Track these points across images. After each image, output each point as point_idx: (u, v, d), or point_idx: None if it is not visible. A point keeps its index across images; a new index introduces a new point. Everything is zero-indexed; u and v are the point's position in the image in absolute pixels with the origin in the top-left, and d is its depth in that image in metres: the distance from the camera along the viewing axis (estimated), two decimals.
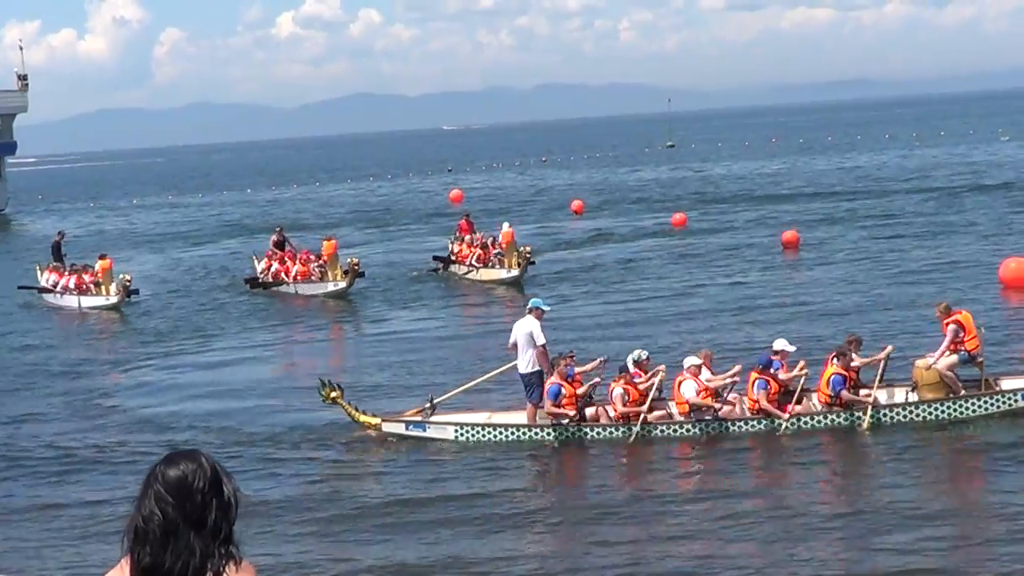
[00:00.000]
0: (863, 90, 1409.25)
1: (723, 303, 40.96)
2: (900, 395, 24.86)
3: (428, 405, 26.00)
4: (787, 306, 39.55)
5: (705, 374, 24.96)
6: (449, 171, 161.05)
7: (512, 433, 25.21)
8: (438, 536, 19.68)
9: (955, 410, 24.03)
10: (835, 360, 24.51)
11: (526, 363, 25.52)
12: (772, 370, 24.72)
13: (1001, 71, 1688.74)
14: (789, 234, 56.46)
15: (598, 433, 24.78)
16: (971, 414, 24.01)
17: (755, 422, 24.43)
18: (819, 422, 24.32)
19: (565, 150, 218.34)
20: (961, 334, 24.66)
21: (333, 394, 25.81)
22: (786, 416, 24.11)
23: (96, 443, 27.00)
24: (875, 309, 37.69)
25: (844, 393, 24.22)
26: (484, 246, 51.67)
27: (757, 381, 24.51)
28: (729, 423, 24.50)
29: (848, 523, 19.07)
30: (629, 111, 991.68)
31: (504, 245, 50.18)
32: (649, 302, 42.66)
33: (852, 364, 24.60)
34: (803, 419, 24.32)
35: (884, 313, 36.81)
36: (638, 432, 24.32)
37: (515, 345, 25.95)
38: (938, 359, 24.65)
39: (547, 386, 25.03)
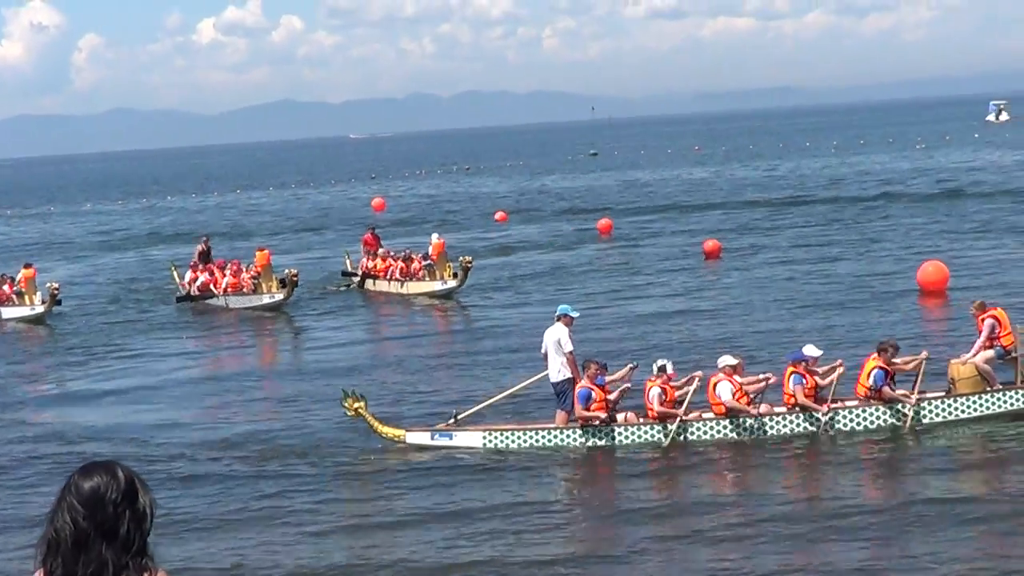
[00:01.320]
0: (785, 98, 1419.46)
1: (648, 310, 41.11)
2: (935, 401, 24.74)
3: (452, 421, 25.55)
4: (710, 312, 39.81)
5: (737, 379, 24.75)
6: (373, 178, 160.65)
7: (542, 437, 24.93)
8: (459, 542, 19.51)
9: (993, 403, 24.16)
10: (877, 355, 24.40)
11: (556, 370, 25.37)
12: (806, 365, 24.60)
13: (921, 79, 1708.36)
14: (711, 242, 56.85)
15: (631, 435, 24.55)
16: (1010, 407, 24.11)
17: (793, 418, 24.24)
18: (860, 417, 24.18)
19: (489, 158, 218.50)
20: (997, 329, 24.82)
21: (356, 405, 25.16)
22: (824, 410, 24.01)
23: (16, 455, 26.65)
24: (796, 316, 37.92)
25: (886, 389, 24.11)
26: (407, 259, 50.58)
27: (793, 376, 24.36)
28: (765, 421, 24.29)
29: (889, 523, 19.02)
30: (553, 119, 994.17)
31: (435, 257, 49.31)
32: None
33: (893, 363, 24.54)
34: (842, 414, 24.19)
35: (807, 320, 37.09)
36: (674, 432, 24.17)
37: (546, 354, 25.76)
38: (975, 353, 24.77)
39: (577, 391, 24.81)
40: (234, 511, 21.71)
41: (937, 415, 24.10)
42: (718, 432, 24.32)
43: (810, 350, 24.91)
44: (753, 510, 20.10)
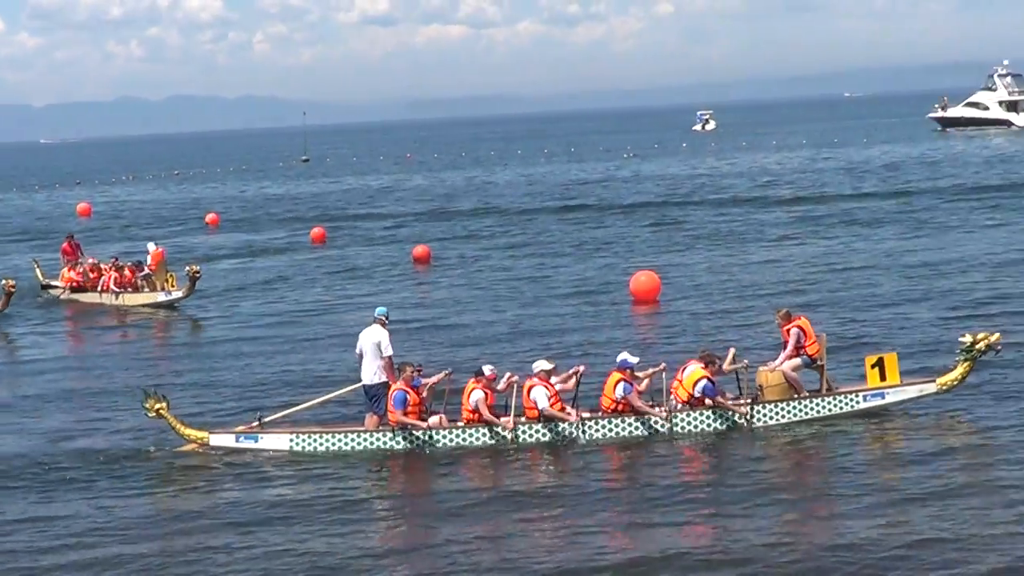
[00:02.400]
0: (498, 106, 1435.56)
1: (357, 320, 40.66)
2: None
3: (256, 423, 24.84)
4: (419, 321, 39.65)
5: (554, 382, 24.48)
6: (78, 184, 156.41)
7: (352, 440, 24.33)
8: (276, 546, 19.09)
9: (800, 410, 24.49)
10: (704, 365, 24.41)
11: (372, 373, 24.72)
12: (630, 371, 24.41)
13: (631, 89, 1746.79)
14: (421, 249, 56.80)
15: (446, 439, 24.10)
16: (815, 415, 24.47)
17: (618, 421, 24.11)
18: (690, 423, 24.21)
19: (200, 163, 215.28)
20: (803, 339, 24.99)
21: (158, 406, 24.36)
22: (661, 413, 24.09)
23: None
24: (509, 324, 38.03)
25: (720, 399, 24.27)
26: (119, 268, 48.45)
27: (620, 384, 24.18)
28: (585, 425, 24.09)
29: (713, 510, 19.43)
30: (264, 124, 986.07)
31: (154, 266, 47.94)
32: (298, 317, 42.26)
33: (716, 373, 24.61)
34: (680, 418, 24.19)
35: (522, 328, 37.23)
36: (498, 437, 23.94)
37: (361, 356, 25.04)
38: (782, 362, 24.96)
39: (392, 394, 24.15)
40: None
41: (757, 420, 24.33)
42: (538, 435, 24.08)
43: (626, 356, 24.74)
44: (562, 510, 20.13)
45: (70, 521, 20.82)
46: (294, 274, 54.10)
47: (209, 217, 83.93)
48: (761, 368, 25.20)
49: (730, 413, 24.28)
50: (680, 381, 24.55)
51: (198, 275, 45.27)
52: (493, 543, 18.81)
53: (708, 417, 24.25)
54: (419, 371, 24.58)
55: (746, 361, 25.56)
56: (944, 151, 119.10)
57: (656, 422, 24.12)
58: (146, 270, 48.19)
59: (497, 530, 19.41)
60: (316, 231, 70.13)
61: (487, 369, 24.51)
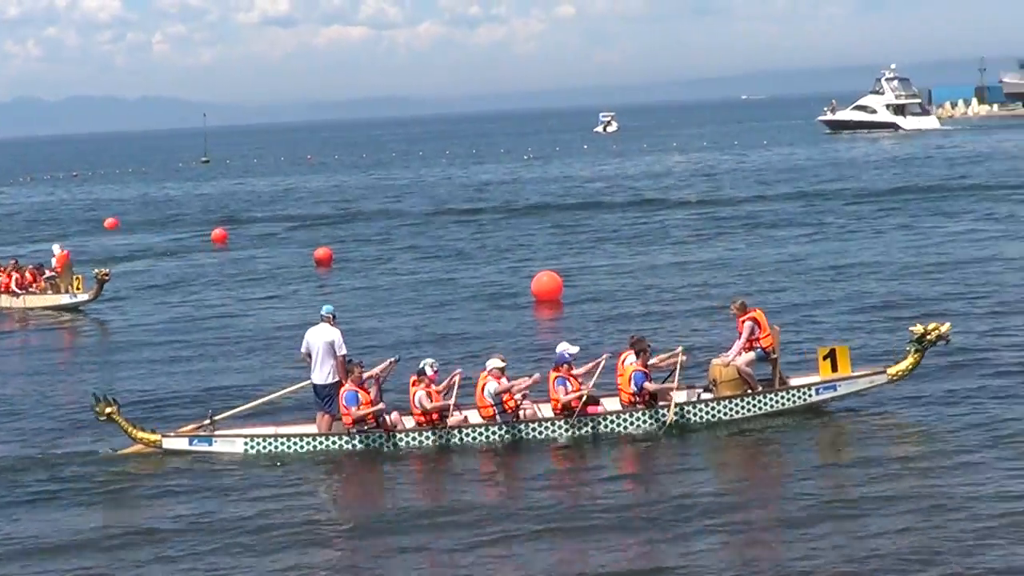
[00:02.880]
0: (399, 107, 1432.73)
1: (261, 323, 40.63)
2: (694, 397, 24.96)
3: (208, 422, 24.47)
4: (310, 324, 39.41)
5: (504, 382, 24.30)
6: None
7: (310, 443, 24.05)
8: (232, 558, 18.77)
9: (754, 406, 24.49)
10: (635, 356, 24.37)
11: (326, 373, 24.35)
12: (567, 367, 24.34)
13: (533, 90, 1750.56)
14: (322, 251, 56.77)
15: (402, 440, 23.93)
16: (769, 409, 24.50)
17: (560, 423, 24.06)
18: (624, 422, 24.17)
19: (99, 164, 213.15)
20: (757, 331, 25.02)
21: (108, 409, 24.00)
22: (601, 411, 24.10)
23: None
24: (411, 326, 38.11)
25: (648, 385, 24.17)
26: (19, 269, 47.58)
27: (558, 379, 24.12)
28: (533, 425, 24.05)
29: (651, 524, 19.15)
30: (164, 125, 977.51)
31: (59, 268, 47.23)
32: (203, 319, 41.98)
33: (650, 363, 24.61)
34: (608, 419, 24.17)
35: (426, 329, 37.31)
36: (443, 437, 23.91)
37: (308, 354, 24.65)
38: (735, 356, 24.93)
39: (343, 394, 23.88)
40: None
41: (697, 418, 24.37)
42: (488, 434, 24.01)
43: (565, 347, 24.72)
44: (516, 514, 20.04)
45: (11, 532, 20.40)
46: (196, 276, 53.76)
47: (108, 221, 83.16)
48: (715, 362, 25.18)
49: (665, 410, 24.23)
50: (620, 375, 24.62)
51: (107, 278, 44.76)
52: (440, 553, 18.65)
53: (648, 415, 24.23)
54: (362, 367, 24.41)
55: (680, 349, 25.38)
56: (835, 154, 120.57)
57: (613, 420, 24.16)
58: (50, 272, 47.46)
59: (446, 540, 19.17)
60: (217, 232, 69.89)
61: (428, 369, 24.37)
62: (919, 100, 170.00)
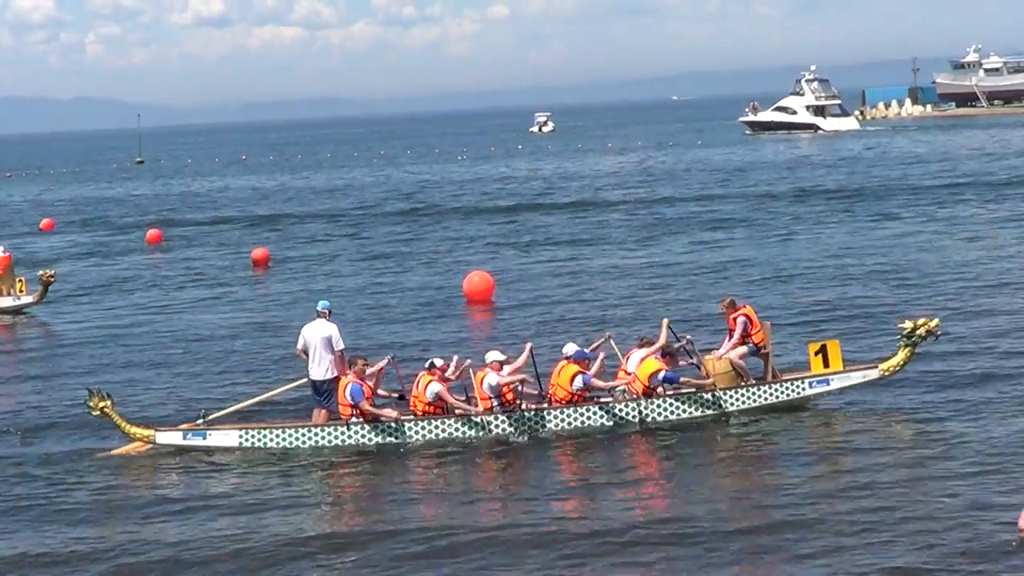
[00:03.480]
0: (332, 108, 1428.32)
1: (201, 324, 40.90)
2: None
3: (200, 421, 24.46)
4: (257, 324, 39.93)
5: (505, 372, 24.46)
6: None
7: (305, 435, 24.07)
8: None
9: (748, 398, 24.90)
10: (653, 353, 24.67)
11: (325, 368, 24.37)
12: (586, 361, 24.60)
13: (467, 91, 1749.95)
14: (259, 252, 56.97)
15: (409, 431, 24.01)
16: (763, 402, 24.93)
17: (570, 412, 24.30)
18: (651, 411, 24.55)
19: (32, 164, 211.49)
20: (749, 327, 25.45)
21: (102, 404, 23.90)
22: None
23: None
24: (349, 327, 38.42)
25: (594, 382, 24.47)
26: None
27: (577, 375, 24.30)
28: (542, 415, 24.26)
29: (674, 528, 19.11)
30: (98, 126, 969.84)
31: (2, 271, 45.61)
32: (144, 320, 41.93)
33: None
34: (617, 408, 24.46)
35: (367, 330, 37.63)
36: (466, 427, 24.04)
37: (304, 350, 24.68)
38: (729, 350, 25.33)
39: (346, 388, 23.95)
40: None
41: (696, 411, 24.66)
42: (492, 426, 24.15)
43: (569, 347, 24.89)
44: (510, 508, 20.25)
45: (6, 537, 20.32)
46: (133, 277, 53.75)
47: (44, 222, 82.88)
48: (707, 356, 25.54)
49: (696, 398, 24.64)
50: (632, 373, 24.84)
51: (52, 280, 44.07)
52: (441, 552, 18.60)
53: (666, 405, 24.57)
54: (367, 363, 24.47)
55: (689, 336, 25.96)
56: (756, 154, 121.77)
57: (621, 411, 24.44)
58: None
59: (459, 528, 19.32)
60: (152, 233, 69.91)
61: (438, 361, 24.49)
62: (839, 101, 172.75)
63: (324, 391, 24.46)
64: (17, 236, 75.98)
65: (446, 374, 24.50)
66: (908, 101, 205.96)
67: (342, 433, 24.04)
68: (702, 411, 24.76)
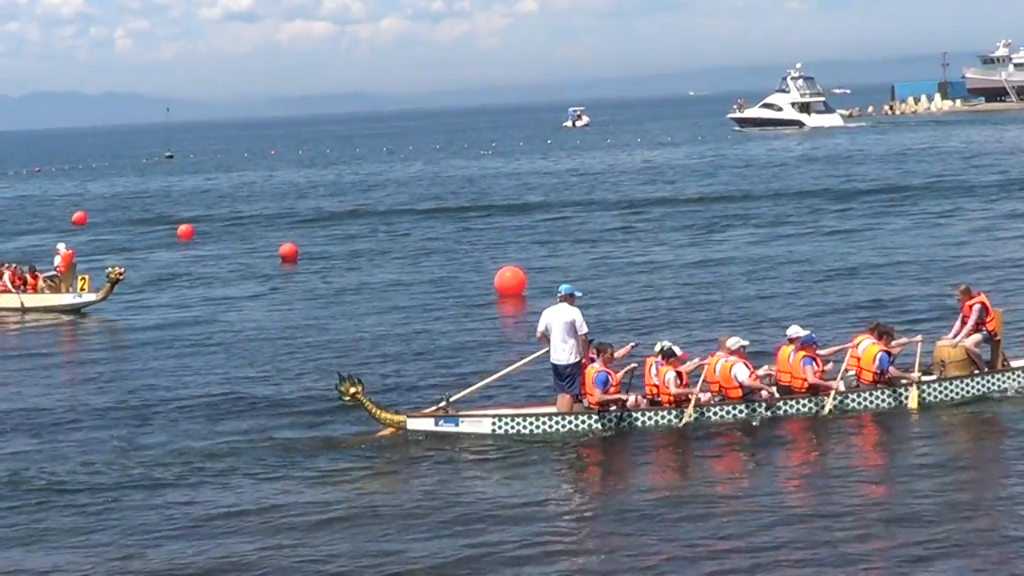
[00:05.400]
0: (361, 103, 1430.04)
1: (227, 321, 40.99)
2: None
3: (444, 403, 24.38)
4: (289, 321, 39.95)
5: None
6: None
7: (557, 423, 24.03)
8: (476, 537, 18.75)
9: (983, 387, 24.86)
10: (877, 338, 24.70)
11: (568, 353, 24.15)
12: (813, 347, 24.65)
13: (494, 87, 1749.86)
14: (287, 247, 57.09)
15: (648, 419, 24.06)
16: (996, 390, 24.87)
17: (805, 401, 24.28)
18: (865, 400, 24.50)
19: (62, 160, 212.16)
20: (984, 315, 25.52)
21: (353, 390, 23.73)
22: (835, 391, 24.26)
23: None
24: (379, 324, 38.57)
25: (892, 370, 24.50)
26: (8, 267, 45.23)
27: (804, 359, 24.41)
28: (780, 404, 24.25)
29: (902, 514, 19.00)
30: (127, 121, 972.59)
31: (63, 268, 45.34)
32: (193, 317, 41.58)
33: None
34: (851, 397, 24.45)
35: (387, 327, 37.73)
36: (692, 416, 23.87)
37: (544, 335, 24.55)
38: (964, 338, 25.29)
39: (592, 375, 23.93)
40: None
41: (936, 398, 24.62)
42: (736, 413, 24.17)
43: (795, 330, 25.00)
44: (767, 495, 20.04)
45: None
46: (170, 274, 53.33)
47: (76, 215, 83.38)
48: (940, 343, 25.52)
49: (902, 389, 24.60)
50: (856, 358, 24.78)
51: (120, 277, 42.49)
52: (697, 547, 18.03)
53: (883, 394, 24.51)
54: (614, 350, 24.51)
55: (920, 336, 25.71)
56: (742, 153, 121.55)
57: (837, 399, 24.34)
58: (55, 271, 45.84)
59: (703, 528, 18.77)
60: (183, 228, 70.22)
61: (677, 349, 24.37)
62: (823, 99, 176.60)
63: (567, 375, 24.28)
64: (50, 231, 76.40)
65: (613, 356, 24.48)
66: (937, 96, 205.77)
67: (595, 421, 23.99)
68: (939, 398, 24.75)
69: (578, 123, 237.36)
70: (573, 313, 24.31)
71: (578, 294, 25.03)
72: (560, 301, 24.63)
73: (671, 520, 19.00)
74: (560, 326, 24.21)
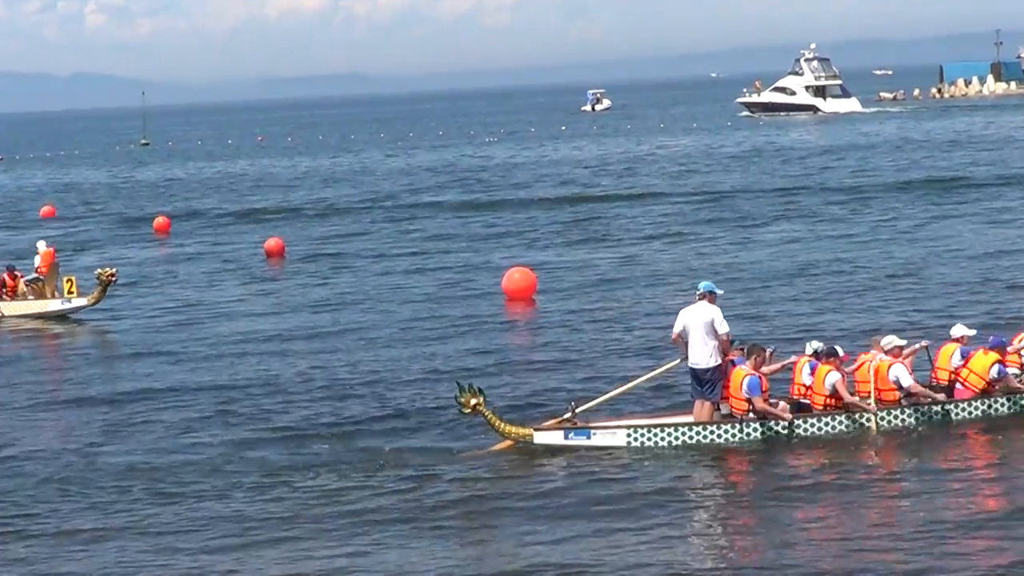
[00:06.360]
0: (356, 85, 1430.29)
1: (214, 315, 41.21)
2: None
3: (570, 414, 24.25)
4: (276, 321, 40.04)
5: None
6: None
7: (699, 433, 23.76)
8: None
9: None
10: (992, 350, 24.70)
11: (709, 356, 23.88)
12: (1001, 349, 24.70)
13: (502, 68, 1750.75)
14: (273, 242, 57.14)
15: (812, 427, 23.87)
16: None
17: (977, 403, 24.29)
18: (976, 410, 24.52)
19: (28, 147, 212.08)
20: None
21: (474, 401, 23.62)
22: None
23: None
24: (376, 326, 38.51)
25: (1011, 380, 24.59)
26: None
27: (997, 365, 24.37)
28: (949, 408, 24.24)
29: None
30: (99, 104, 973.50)
31: (45, 269, 43.76)
32: (192, 320, 41.49)
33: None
34: (961, 407, 24.41)
35: (391, 329, 37.74)
36: (874, 422, 23.84)
37: (680, 336, 24.32)
38: None
39: (741, 378, 23.69)
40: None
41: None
42: (903, 421, 24.14)
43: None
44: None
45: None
46: (141, 273, 52.97)
47: (44, 209, 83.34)
48: None
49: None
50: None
51: (113, 278, 41.22)
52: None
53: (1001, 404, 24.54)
54: (742, 350, 24.33)
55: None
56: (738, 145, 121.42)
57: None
58: (36, 273, 44.02)
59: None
60: (159, 221, 70.15)
61: (840, 349, 24.25)
62: (840, 82, 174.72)
63: (707, 380, 24.06)
64: (16, 225, 76.39)
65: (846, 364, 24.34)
66: (990, 78, 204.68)
67: (740, 431, 23.81)
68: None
69: (598, 107, 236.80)
70: (712, 312, 24.05)
71: (719, 292, 24.80)
72: (699, 299, 24.36)
73: None
74: (699, 327, 23.95)
